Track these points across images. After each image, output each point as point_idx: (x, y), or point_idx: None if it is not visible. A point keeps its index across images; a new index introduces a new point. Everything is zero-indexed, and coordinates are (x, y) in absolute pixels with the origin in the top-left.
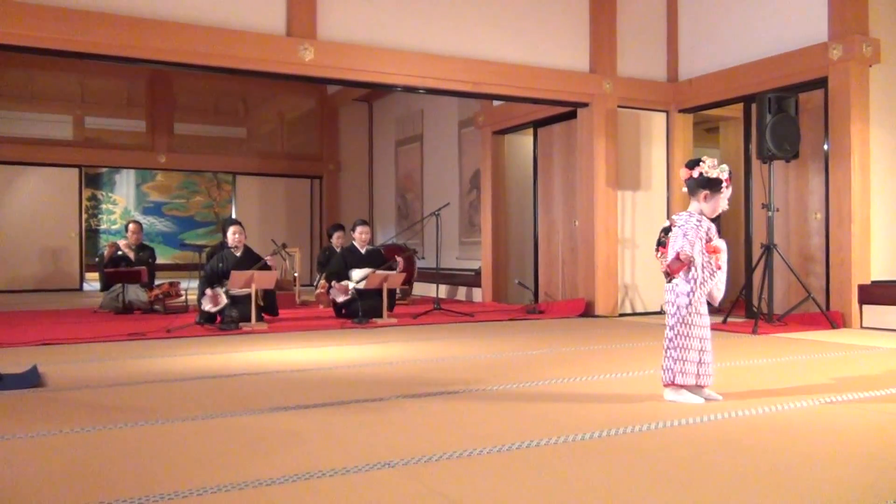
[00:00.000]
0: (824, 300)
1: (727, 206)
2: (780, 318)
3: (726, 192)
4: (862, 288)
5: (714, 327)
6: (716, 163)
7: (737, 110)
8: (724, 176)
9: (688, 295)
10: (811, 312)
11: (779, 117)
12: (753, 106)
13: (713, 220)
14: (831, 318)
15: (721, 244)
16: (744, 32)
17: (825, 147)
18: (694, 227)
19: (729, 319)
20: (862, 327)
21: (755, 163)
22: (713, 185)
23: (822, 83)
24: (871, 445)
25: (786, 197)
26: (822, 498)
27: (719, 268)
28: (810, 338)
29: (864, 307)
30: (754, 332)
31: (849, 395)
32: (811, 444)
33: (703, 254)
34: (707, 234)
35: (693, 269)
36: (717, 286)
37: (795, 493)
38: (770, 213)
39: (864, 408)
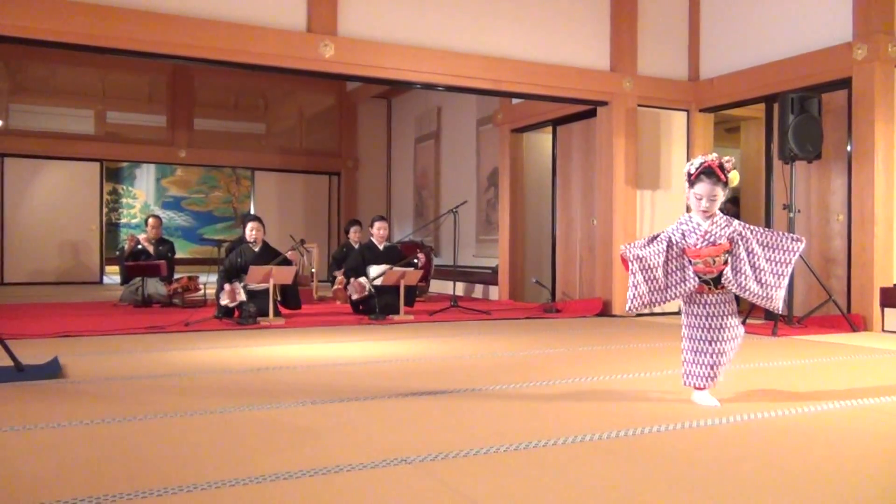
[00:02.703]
0: (845, 303)
1: (706, 206)
2: (801, 321)
3: (695, 188)
4: (884, 291)
5: None
6: (699, 159)
7: (758, 110)
8: (687, 168)
9: (630, 287)
10: (832, 315)
11: (801, 117)
12: (776, 106)
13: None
14: (852, 321)
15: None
16: (767, 31)
17: (848, 148)
18: (671, 229)
19: (748, 321)
20: (884, 331)
21: (777, 163)
22: (687, 180)
23: (846, 83)
24: (890, 451)
25: (807, 198)
26: (839, 502)
27: (711, 271)
28: (830, 340)
29: (886, 310)
30: (774, 333)
31: (869, 400)
32: (830, 449)
33: (678, 257)
34: (685, 238)
35: (630, 269)
36: (746, 290)
37: (812, 498)
38: (791, 215)
39: (885, 412)
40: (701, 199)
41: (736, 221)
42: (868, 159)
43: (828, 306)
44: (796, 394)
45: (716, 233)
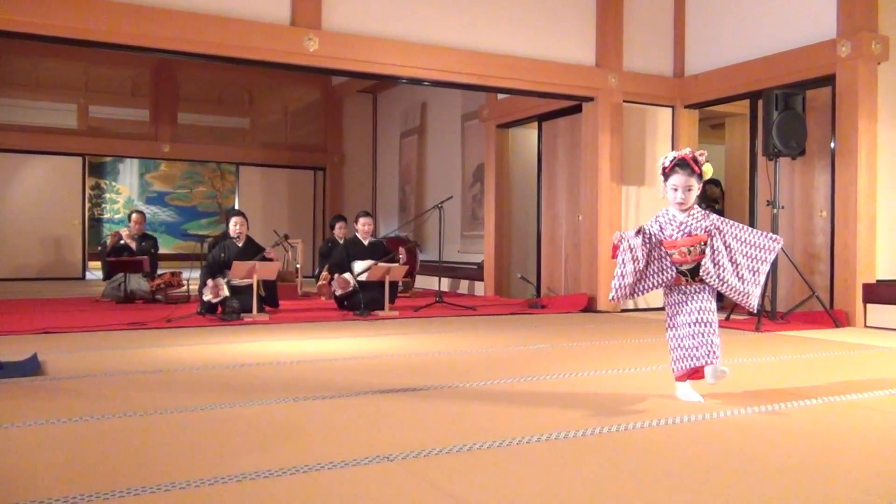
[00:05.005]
0: (828, 298)
1: (681, 197)
2: (784, 316)
3: (670, 180)
4: (866, 287)
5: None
6: (672, 153)
7: (743, 107)
8: (662, 162)
9: (616, 277)
10: (815, 310)
11: (786, 114)
12: (760, 102)
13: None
14: (835, 317)
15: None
16: (751, 28)
17: (832, 145)
18: (649, 223)
19: (732, 316)
20: (866, 326)
21: (761, 159)
22: (662, 173)
23: (829, 80)
24: (872, 446)
25: (791, 194)
26: (822, 499)
27: (686, 261)
28: (813, 336)
29: (869, 306)
30: (757, 329)
31: (851, 395)
32: (813, 444)
33: (654, 249)
34: (662, 230)
35: (619, 258)
36: (724, 283)
37: (796, 493)
38: (775, 211)
39: (867, 408)
40: (676, 191)
41: (714, 215)
42: (851, 156)
43: (811, 302)
44: (780, 389)
45: (692, 224)
